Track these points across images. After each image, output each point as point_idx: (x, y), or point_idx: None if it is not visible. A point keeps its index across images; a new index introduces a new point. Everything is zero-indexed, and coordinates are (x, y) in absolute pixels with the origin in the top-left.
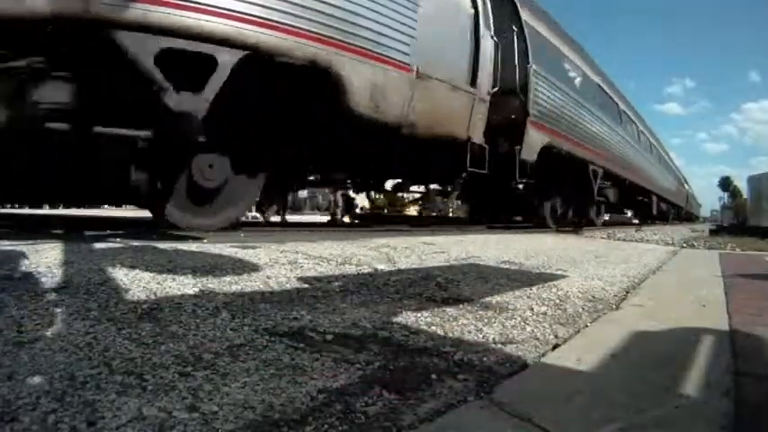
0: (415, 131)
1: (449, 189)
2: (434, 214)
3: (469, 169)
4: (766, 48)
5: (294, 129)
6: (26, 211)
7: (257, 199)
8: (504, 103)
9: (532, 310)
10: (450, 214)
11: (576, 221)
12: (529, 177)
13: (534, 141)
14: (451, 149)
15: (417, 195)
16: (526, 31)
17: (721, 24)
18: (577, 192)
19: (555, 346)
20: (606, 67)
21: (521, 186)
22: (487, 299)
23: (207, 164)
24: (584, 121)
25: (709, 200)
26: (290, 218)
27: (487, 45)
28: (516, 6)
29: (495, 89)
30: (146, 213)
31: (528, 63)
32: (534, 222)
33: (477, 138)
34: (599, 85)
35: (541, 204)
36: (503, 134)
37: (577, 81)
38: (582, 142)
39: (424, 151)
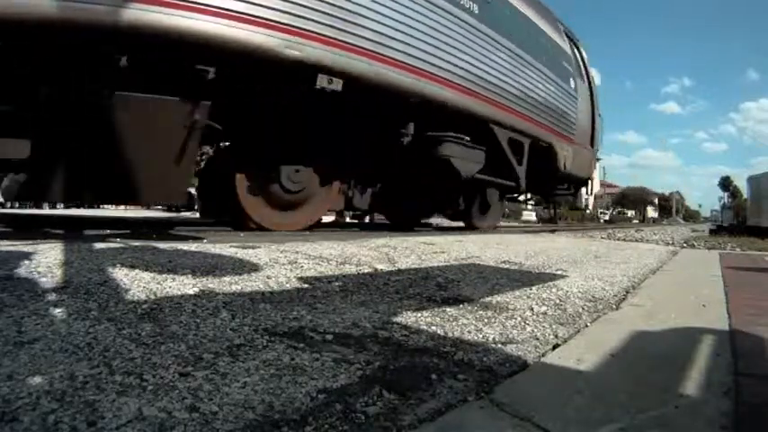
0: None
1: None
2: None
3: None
4: (764, 46)
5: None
6: (26, 211)
7: None
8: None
9: (532, 310)
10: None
11: None
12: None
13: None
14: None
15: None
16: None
17: (718, 23)
18: None
19: (555, 346)
20: (604, 66)
21: None
22: (487, 299)
23: None
24: None
25: (709, 200)
26: None
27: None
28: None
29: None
30: (145, 213)
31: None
32: None
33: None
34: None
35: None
36: None
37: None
38: None
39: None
